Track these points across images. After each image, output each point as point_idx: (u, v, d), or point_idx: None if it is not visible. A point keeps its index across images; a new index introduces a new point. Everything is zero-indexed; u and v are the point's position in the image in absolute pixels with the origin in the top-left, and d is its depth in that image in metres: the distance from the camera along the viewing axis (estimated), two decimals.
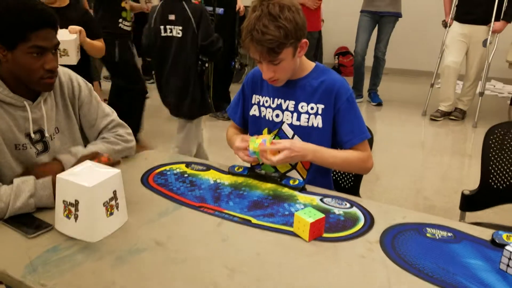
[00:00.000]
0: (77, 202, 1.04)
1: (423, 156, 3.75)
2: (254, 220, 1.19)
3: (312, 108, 1.45)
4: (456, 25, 4.29)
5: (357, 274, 0.99)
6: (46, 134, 1.39)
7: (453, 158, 3.66)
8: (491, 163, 1.67)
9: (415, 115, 4.61)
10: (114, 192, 1.10)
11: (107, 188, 1.08)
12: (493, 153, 1.66)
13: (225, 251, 1.06)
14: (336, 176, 1.76)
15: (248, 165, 1.57)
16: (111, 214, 1.10)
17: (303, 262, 1.02)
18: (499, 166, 1.66)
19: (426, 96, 4.68)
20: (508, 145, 1.64)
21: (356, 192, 1.70)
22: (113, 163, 1.30)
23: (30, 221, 1.15)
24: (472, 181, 2.01)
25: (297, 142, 1.41)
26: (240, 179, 1.44)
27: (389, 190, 3.07)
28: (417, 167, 3.49)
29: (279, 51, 1.32)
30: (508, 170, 1.65)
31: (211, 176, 1.46)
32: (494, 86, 5.71)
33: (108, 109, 1.57)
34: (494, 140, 1.66)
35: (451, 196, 2.95)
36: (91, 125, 1.52)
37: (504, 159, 1.65)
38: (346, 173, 1.74)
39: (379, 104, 4.97)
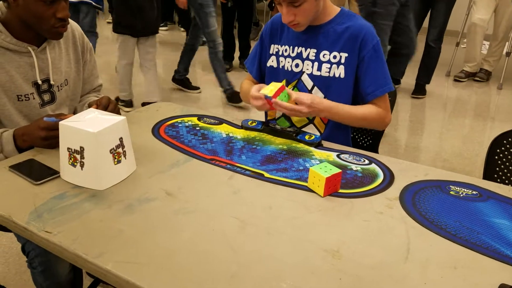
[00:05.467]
0: (82, 148, 1.00)
1: (444, 117, 3.63)
2: (266, 174, 1.14)
3: (334, 57, 1.36)
4: None
5: (374, 230, 0.93)
6: (52, 82, 1.36)
7: (476, 120, 3.53)
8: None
9: (439, 76, 4.44)
10: (121, 139, 1.05)
11: (113, 134, 1.03)
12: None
13: (236, 203, 1.02)
14: (354, 133, 1.69)
15: (263, 118, 1.51)
16: (119, 162, 1.06)
17: (317, 217, 0.98)
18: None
19: (451, 56, 4.49)
20: None
21: (375, 151, 1.63)
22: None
23: (37, 167, 1.12)
24: None
25: (317, 98, 1.32)
26: (253, 134, 1.38)
27: (408, 151, 3.00)
28: (438, 128, 3.39)
29: None
30: None
31: (223, 130, 1.41)
32: None
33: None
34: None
35: (471, 159, 2.86)
36: (86, 82, 1.53)
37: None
38: (365, 131, 1.67)
39: None
